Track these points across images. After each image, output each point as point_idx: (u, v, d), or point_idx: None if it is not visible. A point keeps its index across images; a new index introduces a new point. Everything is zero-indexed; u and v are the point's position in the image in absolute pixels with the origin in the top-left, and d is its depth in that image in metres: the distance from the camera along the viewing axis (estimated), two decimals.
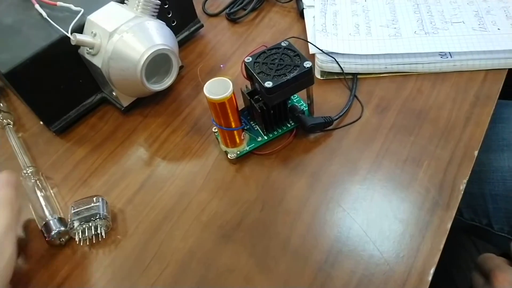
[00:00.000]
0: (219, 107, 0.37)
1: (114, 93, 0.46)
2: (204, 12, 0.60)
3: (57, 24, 0.43)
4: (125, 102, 0.48)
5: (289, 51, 0.40)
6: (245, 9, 0.58)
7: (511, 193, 0.52)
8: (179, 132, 0.47)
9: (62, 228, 0.38)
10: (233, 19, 0.58)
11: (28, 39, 0.44)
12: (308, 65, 0.38)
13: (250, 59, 0.40)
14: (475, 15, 0.48)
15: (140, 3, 0.44)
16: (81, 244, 0.38)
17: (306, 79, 0.39)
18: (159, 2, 0.45)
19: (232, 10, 0.58)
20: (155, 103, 0.50)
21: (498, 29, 0.46)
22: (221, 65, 0.52)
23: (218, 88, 0.37)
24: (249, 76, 0.41)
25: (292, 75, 0.38)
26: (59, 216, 0.39)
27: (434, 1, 0.51)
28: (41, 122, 0.48)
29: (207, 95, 0.37)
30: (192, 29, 0.55)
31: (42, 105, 0.46)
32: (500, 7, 0.48)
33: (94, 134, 0.48)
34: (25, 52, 0.42)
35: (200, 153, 0.44)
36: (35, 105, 0.45)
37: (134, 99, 0.48)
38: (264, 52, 0.40)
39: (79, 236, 0.38)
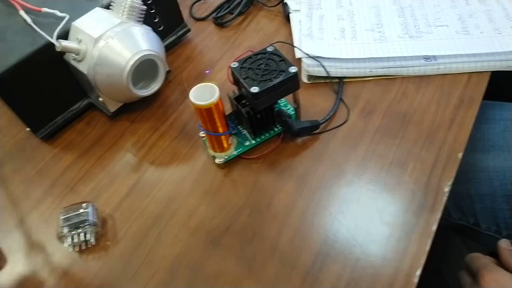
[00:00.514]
0: (206, 112, 0.38)
1: (100, 99, 0.46)
2: (191, 16, 0.60)
3: (42, 30, 0.43)
4: (112, 108, 0.48)
5: (274, 56, 0.40)
6: (232, 13, 0.58)
7: (497, 192, 0.53)
8: (167, 137, 0.47)
9: None
10: (220, 23, 0.58)
11: (13, 46, 0.44)
12: (293, 70, 0.38)
13: (236, 64, 0.40)
14: (458, 18, 0.49)
15: (126, 9, 0.44)
16: (71, 250, 0.38)
17: (292, 84, 0.39)
18: (145, 7, 0.45)
19: (219, 14, 0.58)
20: (143, 108, 0.50)
21: (481, 32, 0.46)
22: (206, 71, 0.52)
23: (205, 93, 0.37)
24: (236, 81, 0.41)
25: (277, 80, 0.38)
26: None
27: (419, 4, 0.52)
28: (28, 129, 0.48)
29: (193, 101, 0.37)
30: (179, 33, 0.55)
31: (28, 112, 0.45)
32: (482, 10, 0.49)
33: (81, 139, 0.48)
34: (10, 59, 0.42)
35: (188, 158, 0.44)
36: (21, 112, 0.45)
37: (121, 104, 0.48)
38: (250, 57, 0.41)
39: (68, 242, 0.38)
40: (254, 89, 0.37)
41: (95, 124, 0.49)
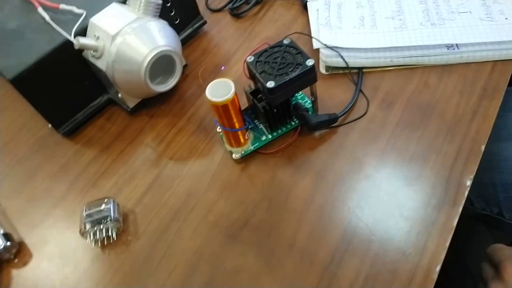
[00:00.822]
0: (222, 108, 0.38)
1: (119, 95, 0.46)
2: (207, 7, 0.59)
3: (60, 28, 0.43)
4: (131, 103, 0.48)
5: (291, 49, 0.40)
6: (248, 3, 0.58)
7: None
8: (185, 132, 0.47)
9: (8, 243, 0.40)
10: (236, 14, 0.57)
11: (32, 44, 0.44)
12: (310, 63, 0.38)
13: (252, 58, 0.40)
14: (482, 4, 0.47)
15: (142, 4, 0.44)
16: (93, 245, 0.39)
17: (309, 77, 0.39)
18: (161, 2, 0.45)
19: (235, 5, 0.57)
20: (161, 103, 0.50)
21: (506, 18, 0.45)
22: (222, 67, 0.51)
23: (221, 89, 0.37)
24: (252, 76, 0.40)
25: (294, 74, 0.37)
26: (4, 232, 0.41)
27: None
28: (49, 125, 0.49)
29: (209, 97, 0.37)
30: (196, 26, 0.55)
31: (50, 109, 0.46)
32: None
33: (102, 135, 0.49)
34: (30, 58, 0.43)
35: (206, 153, 0.45)
36: (42, 109, 0.46)
37: (140, 100, 0.49)
38: (266, 50, 0.40)
39: (90, 238, 0.39)
40: (270, 84, 0.37)
41: (115, 120, 0.50)
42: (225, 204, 0.40)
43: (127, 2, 0.45)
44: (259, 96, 0.41)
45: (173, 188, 0.43)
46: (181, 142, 0.46)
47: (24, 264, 0.40)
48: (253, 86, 0.42)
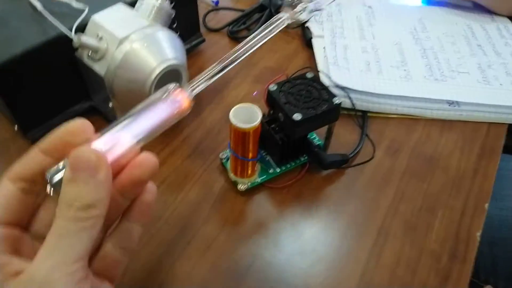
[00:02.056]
0: (243, 136, 0.34)
1: (110, 104, 0.41)
2: (205, 26, 0.57)
3: (52, 21, 0.38)
4: (121, 115, 0.43)
5: (315, 83, 0.38)
6: (249, 29, 0.56)
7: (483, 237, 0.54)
8: (179, 154, 0.43)
9: None
10: (235, 38, 0.55)
11: (18, 34, 0.38)
12: (337, 101, 0.36)
13: (275, 87, 0.38)
14: (478, 67, 0.49)
15: (154, 11, 0.40)
16: None
17: (333, 115, 0.37)
18: (173, 12, 0.42)
19: (235, 29, 0.55)
20: None
21: (500, 84, 0.47)
22: (254, 93, 0.48)
23: (244, 114, 0.34)
24: (271, 105, 0.38)
25: (321, 109, 0.36)
26: None
27: (439, 48, 0.52)
28: (16, 127, 0.42)
29: (234, 122, 0.33)
30: (194, 43, 0.52)
31: (23, 109, 0.40)
32: (499, 62, 0.50)
33: None
34: (14, 48, 0.37)
35: (204, 180, 0.41)
36: (15, 109, 0.39)
37: None
38: (288, 81, 0.38)
39: None
40: (297, 116, 0.35)
41: (95, 131, 0.44)
42: (226, 240, 0.36)
43: (136, 6, 0.41)
44: (273, 126, 0.39)
45: (166, 216, 0.38)
46: (175, 165, 0.42)
47: None
48: (266, 114, 0.39)
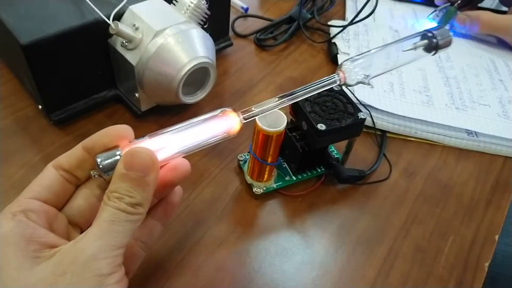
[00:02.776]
0: (266, 139, 0.35)
1: (137, 94, 0.41)
2: (233, 30, 0.57)
3: (92, 5, 0.39)
4: (145, 106, 0.43)
5: (341, 97, 0.38)
6: (275, 39, 0.56)
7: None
8: (197, 152, 0.42)
9: None
10: (262, 46, 0.56)
11: (56, 14, 0.39)
12: (363, 116, 0.37)
13: None
14: (499, 101, 0.50)
15: (190, 8, 0.41)
16: None
17: (356, 129, 0.37)
18: (209, 12, 0.42)
19: (261, 36, 0.56)
20: (173, 114, 0.46)
21: None
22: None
23: (270, 118, 0.35)
24: (295, 113, 0.38)
25: (346, 122, 0.36)
26: None
27: (462, 78, 0.53)
28: (39, 107, 0.42)
29: (260, 125, 0.34)
30: (222, 45, 0.53)
31: (50, 89, 0.40)
32: None
33: None
34: (51, 28, 0.37)
35: (220, 180, 0.41)
36: (43, 88, 0.39)
37: (155, 104, 0.44)
38: None
39: None
40: (321, 126, 0.35)
41: (117, 119, 0.45)
42: (237, 242, 0.36)
43: (173, 2, 0.42)
44: (294, 134, 0.39)
45: (178, 212, 0.38)
46: (192, 161, 0.41)
47: None
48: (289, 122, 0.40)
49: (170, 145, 0.27)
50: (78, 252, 0.22)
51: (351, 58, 0.32)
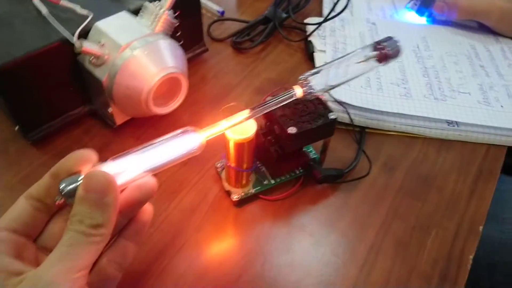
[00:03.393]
0: (238, 147, 0.35)
1: (109, 110, 0.41)
2: (209, 35, 0.57)
3: (56, 25, 0.39)
4: (119, 120, 0.43)
5: (313, 98, 0.38)
6: (252, 41, 0.56)
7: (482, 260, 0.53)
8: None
9: None
10: (239, 48, 0.56)
11: (22, 37, 0.39)
12: (333, 117, 0.37)
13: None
14: (480, 88, 0.49)
15: (157, 20, 0.41)
16: None
17: (328, 130, 0.37)
18: (177, 22, 0.42)
19: (238, 39, 0.56)
20: (150, 125, 0.46)
21: (501, 106, 0.47)
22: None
23: (239, 125, 0.34)
24: (267, 116, 0.38)
25: (317, 124, 0.36)
26: None
27: (441, 67, 0.52)
28: (16, 128, 0.43)
29: (229, 134, 0.34)
30: (197, 51, 0.52)
31: (24, 111, 0.40)
32: (501, 84, 0.50)
33: (77, 149, 0.43)
34: (18, 51, 0.37)
35: (198, 188, 0.41)
36: (16, 110, 0.40)
37: (129, 118, 0.44)
38: None
39: None
40: (292, 130, 0.35)
41: (94, 134, 0.45)
42: (217, 250, 0.36)
43: (139, 15, 0.41)
44: (269, 138, 0.39)
45: (158, 223, 0.38)
46: (170, 171, 0.42)
47: None
48: (263, 127, 0.40)
49: (133, 165, 0.27)
50: (36, 279, 0.22)
51: (309, 72, 0.34)
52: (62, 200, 0.26)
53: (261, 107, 0.32)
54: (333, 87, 0.35)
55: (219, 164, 0.41)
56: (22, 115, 0.40)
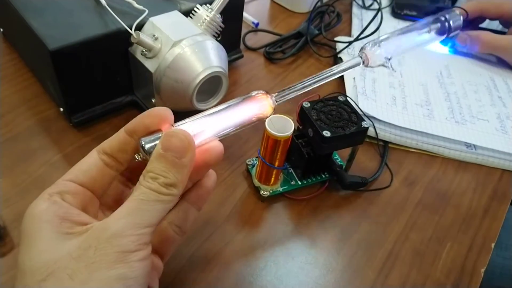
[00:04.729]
0: (275, 144, 0.37)
1: (153, 100, 0.44)
2: (244, 43, 0.60)
3: (115, 15, 0.41)
4: None
5: (346, 106, 0.41)
6: (284, 53, 0.59)
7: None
8: None
9: None
10: (271, 58, 0.59)
11: (81, 23, 0.42)
12: (366, 125, 0.39)
13: (308, 104, 0.40)
14: (497, 117, 0.52)
15: (206, 21, 0.44)
16: None
17: (360, 137, 0.40)
18: (223, 25, 0.45)
19: (271, 50, 0.59)
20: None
21: None
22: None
23: (278, 124, 0.37)
24: (302, 120, 0.41)
25: (350, 130, 0.38)
26: None
27: (463, 94, 0.55)
28: (61, 109, 0.45)
29: (269, 130, 0.36)
30: (233, 57, 0.55)
31: (73, 93, 0.43)
32: None
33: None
34: (76, 35, 0.40)
35: (229, 183, 0.43)
36: (66, 92, 0.42)
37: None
38: (321, 101, 0.41)
39: None
40: (326, 133, 0.37)
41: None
42: (244, 241, 0.38)
43: (190, 15, 0.44)
44: (300, 141, 0.41)
45: None
46: None
47: (3, 254, 0.35)
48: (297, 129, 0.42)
49: (207, 128, 0.27)
50: (103, 228, 0.22)
51: (373, 40, 0.35)
52: (141, 158, 0.26)
53: (328, 73, 0.35)
54: (396, 56, 0.36)
55: (250, 162, 0.44)
56: (70, 97, 0.43)
